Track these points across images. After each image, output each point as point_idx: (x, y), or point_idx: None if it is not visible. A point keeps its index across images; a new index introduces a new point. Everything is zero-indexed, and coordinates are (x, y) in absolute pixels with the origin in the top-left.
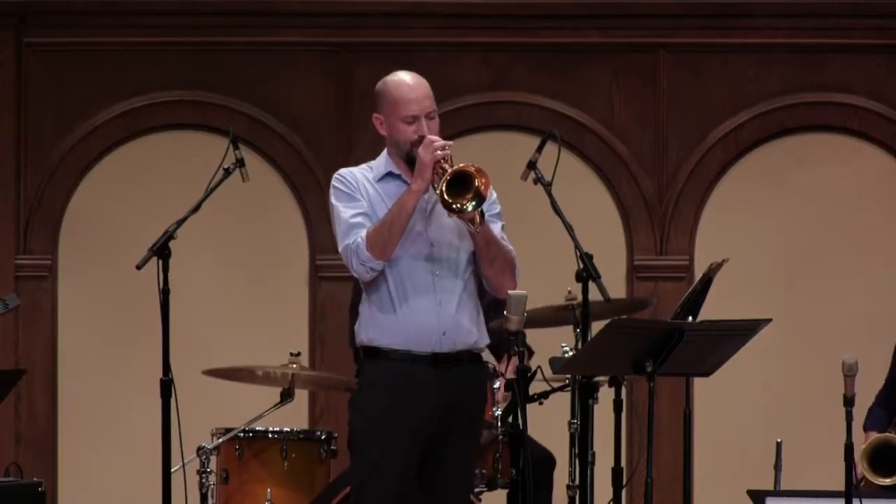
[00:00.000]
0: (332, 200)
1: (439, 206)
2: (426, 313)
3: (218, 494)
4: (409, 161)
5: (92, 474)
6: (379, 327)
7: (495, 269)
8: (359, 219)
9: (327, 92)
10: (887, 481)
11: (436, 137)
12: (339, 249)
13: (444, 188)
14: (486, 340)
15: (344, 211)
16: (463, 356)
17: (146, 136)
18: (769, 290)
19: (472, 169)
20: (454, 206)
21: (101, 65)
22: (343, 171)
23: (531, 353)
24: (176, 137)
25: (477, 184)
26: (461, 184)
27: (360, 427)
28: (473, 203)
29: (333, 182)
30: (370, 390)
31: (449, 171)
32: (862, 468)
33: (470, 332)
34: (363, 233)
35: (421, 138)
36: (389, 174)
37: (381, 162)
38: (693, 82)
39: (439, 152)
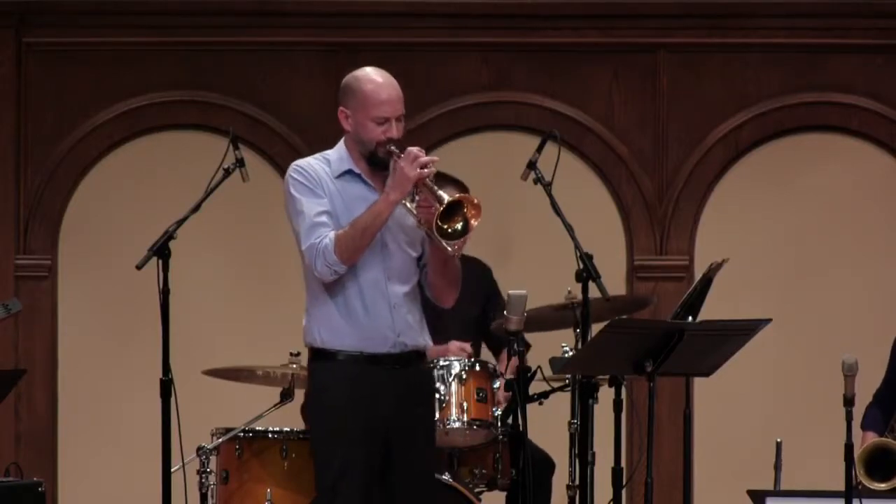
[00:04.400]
0: (293, 192)
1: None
2: (380, 316)
3: (218, 494)
4: (372, 160)
5: (92, 474)
6: (332, 329)
7: (445, 280)
8: (323, 217)
9: (327, 92)
10: (883, 486)
11: (419, 151)
12: (303, 247)
13: (437, 220)
14: (430, 342)
15: (308, 207)
16: (412, 357)
17: (146, 136)
18: (769, 290)
19: (466, 201)
20: (449, 229)
21: (101, 65)
22: (301, 162)
23: (528, 346)
24: (176, 137)
25: (465, 212)
26: (451, 211)
27: (320, 431)
28: (460, 226)
29: (292, 173)
30: (325, 393)
31: (445, 201)
32: (858, 474)
33: (418, 333)
34: (330, 234)
35: (388, 140)
36: (349, 172)
37: (339, 156)
38: (693, 82)
39: (425, 170)
